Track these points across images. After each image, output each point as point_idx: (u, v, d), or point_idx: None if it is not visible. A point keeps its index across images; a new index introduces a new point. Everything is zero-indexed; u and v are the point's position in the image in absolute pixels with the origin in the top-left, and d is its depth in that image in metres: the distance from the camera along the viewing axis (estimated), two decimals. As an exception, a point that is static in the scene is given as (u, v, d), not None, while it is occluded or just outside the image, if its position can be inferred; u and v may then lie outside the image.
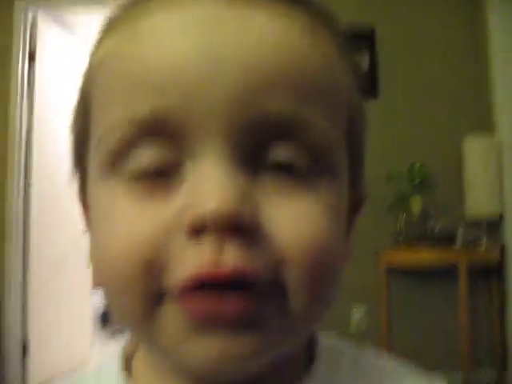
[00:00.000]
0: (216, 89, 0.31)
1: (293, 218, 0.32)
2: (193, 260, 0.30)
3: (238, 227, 0.29)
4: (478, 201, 3.11)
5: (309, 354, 0.41)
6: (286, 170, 0.32)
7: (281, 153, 0.32)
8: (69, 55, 3.75)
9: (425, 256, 2.89)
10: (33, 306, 3.20)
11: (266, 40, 0.32)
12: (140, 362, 0.40)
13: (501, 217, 3.17)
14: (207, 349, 0.30)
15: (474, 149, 3.13)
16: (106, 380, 0.39)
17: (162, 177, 0.32)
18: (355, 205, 0.40)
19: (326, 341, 0.42)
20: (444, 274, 3.15)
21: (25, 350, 3.14)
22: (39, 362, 3.26)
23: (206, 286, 0.30)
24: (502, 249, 3.12)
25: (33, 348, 3.19)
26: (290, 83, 0.32)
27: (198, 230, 0.30)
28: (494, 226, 3.19)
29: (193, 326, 0.30)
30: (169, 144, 0.32)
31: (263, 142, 0.32)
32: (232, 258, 0.29)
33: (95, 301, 4.80)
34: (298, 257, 0.31)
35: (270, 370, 0.34)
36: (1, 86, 3.14)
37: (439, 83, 3.34)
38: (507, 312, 3.18)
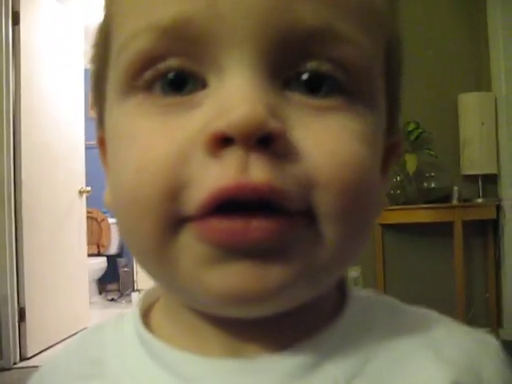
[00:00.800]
0: None
1: (326, 138, 0.28)
2: (215, 176, 0.26)
3: (266, 139, 0.26)
4: (474, 157, 3.09)
5: (340, 298, 0.37)
6: (318, 88, 0.29)
7: (314, 67, 0.29)
8: (55, 21, 3.68)
9: (421, 214, 2.88)
10: (28, 271, 3.19)
11: None
12: (159, 313, 0.38)
13: (496, 173, 3.16)
14: (227, 280, 0.27)
15: (470, 105, 3.09)
16: (125, 331, 0.36)
17: (184, 91, 0.29)
18: (390, 148, 0.36)
19: (356, 290, 0.38)
20: (440, 232, 3.14)
21: (21, 315, 3.14)
22: (36, 327, 3.27)
23: (229, 207, 0.26)
24: (498, 205, 3.12)
25: (29, 313, 3.19)
26: None
27: (221, 144, 0.26)
28: (489, 182, 3.18)
29: (212, 253, 0.27)
30: (193, 54, 0.29)
31: (295, 54, 0.29)
32: (259, 173, 0.26)
33: (92, 265, 4.81)
34: (332, 179, 0.28)
35: (296, 308, 0.31)
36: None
37: (435, 41, 3.28)
38: (502, 268, 3.20)
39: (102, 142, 0.37)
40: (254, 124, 0.25)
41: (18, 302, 3.14)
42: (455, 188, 3.02)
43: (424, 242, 3.20)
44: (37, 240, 3.34)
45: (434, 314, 0.39)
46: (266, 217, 0.26)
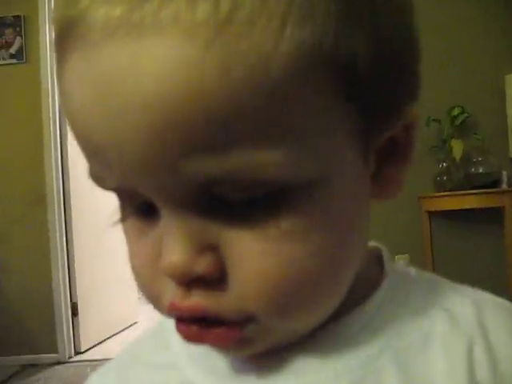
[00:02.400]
0: (125, 152, 0.27)
1: (254, 255, 0.28)
2: (170, 294, 0.31)
3: (196, 278, 0.29)
4: (523, 140, 3.00)
5: (379, 275, 0.37)
6: (241, 204, 0.28)
7: (225, 192, 0.28)
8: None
9: (469, 200, 2.82)
10: (79, 268, 3.28)
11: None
12: None
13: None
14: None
15: (517, 86, 3.01)
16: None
17: (151, 215, 0.31)
18: (408, 127, 0.33)
19: (397, 266, 0.39)
20: (489, 219, 3.08)
21: (74, 310, 3.23)
22: (89, 322, 3.35)
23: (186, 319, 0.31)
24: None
25: (82, 308, 3.27)
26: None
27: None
28: (540, 165, 3.09)
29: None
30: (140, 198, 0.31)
31: (202, 190, 0.28)
32: (195, 299, 0.30)
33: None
34: (261, 295, 0.29)
35: None
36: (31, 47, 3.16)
37: (477, 22, 3.20)
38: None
39: None
40: (181, 272, 0.29)
41: (71, 298, 3.22)
42: (504, 172, 2.94)
43: (473, 229, 3.13)
44: (85, 237, 3.41)
45: (477, 294, 0.39)
46: (219, 325, 0.30)
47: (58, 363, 3.06)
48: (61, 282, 3.13)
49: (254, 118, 0.25)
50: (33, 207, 3.14)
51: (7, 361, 3.05)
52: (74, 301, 3.23)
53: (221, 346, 0.32)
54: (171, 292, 0.31)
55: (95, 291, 3.48)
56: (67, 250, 3.22)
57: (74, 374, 2.82)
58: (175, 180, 0.27)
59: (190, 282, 0.29)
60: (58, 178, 3.18)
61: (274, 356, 0.34)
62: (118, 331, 3.77)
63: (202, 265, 0.29)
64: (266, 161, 0.26)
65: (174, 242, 0.29)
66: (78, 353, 3.23)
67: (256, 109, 0.25)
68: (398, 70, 0.31)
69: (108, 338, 3.60)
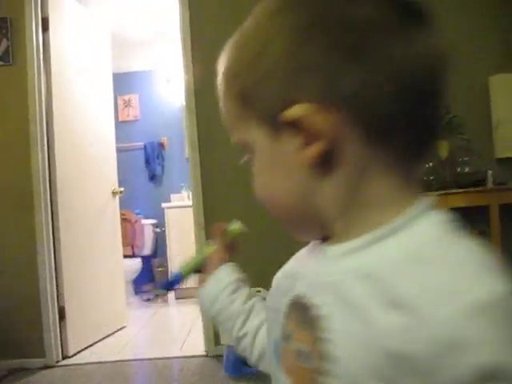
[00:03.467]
0: None
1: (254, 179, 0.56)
2: None
3: None
4: (507, 139, 3.04)
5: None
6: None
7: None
8: (82, 26, 3.75)
9: (456, 199, 2.84)
10: (67, 271, 3.26)
11: None
12: None
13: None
14: None
15: (502, 86, 3.05)
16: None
17: None
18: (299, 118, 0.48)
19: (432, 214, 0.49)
20: (476, 218, 3.10)
21: (61, 314, 3.20)
22: (76, 326, 3.33)
23: None
24: (535, 188, 3.06)
25: (69, 312, 3.25)
26: None
27: None
28: (525, 164, 3.13)
29: None
30: None
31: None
32: None
33: (127, 266, 4.87)
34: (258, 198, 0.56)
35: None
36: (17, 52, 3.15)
37: (462, 24, 3.24)
38: (542, 252, 3.14)
39: None
40: None
41: (58, 301, 3.20)
42: (489, 172, 2.97)
43: (461, 226, 3.16)
44: (73, 240, 3.40)
45: (462, 253, 0.46)
46: None
47: (46, 367, 3.03)
48: (48, 286, 3.11)
49: (234, 118, 0.55)
50: (20, 210, 3.12)
51: (-6, 365, 3.02)
52: (61, 304, 3.21)
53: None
54: None
55: (83, 295, 3.46)
56: (55, 253, 3.20)
57: (61, 377, 2.80)
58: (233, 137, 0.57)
59: None
60: (45, 180, 3.16)
61: (319, 247, 0.55)
62: (106, 335, 3.75)
63: None
64: (244, 138, 0.54)
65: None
66: (65, 357, 3.21)
67: (235, 114, 0.54)
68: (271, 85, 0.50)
69: (96, 342, 3.58)
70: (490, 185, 2.90)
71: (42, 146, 3.17)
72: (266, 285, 0.77)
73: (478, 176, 2.95)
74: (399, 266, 0.44)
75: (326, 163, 0.48)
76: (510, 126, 3.02)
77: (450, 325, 0.38)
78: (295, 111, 0.47)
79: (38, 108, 3.15)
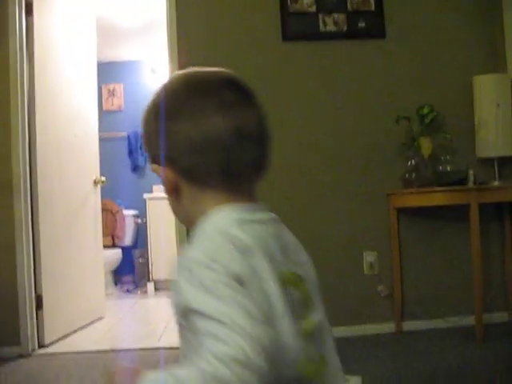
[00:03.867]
0: None
1: None
2: None
3: None
4: (489, 139, 3.06)
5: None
6: None
7: None
8: (67, 12, 3.70)
9: (436, 197, 2.86)
10: (45, 260, 3.22)
11: None
12: None
13: (512, 155, 3.12)
14: None
15: (485, 87, 3.06)
16: None
17: None
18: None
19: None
20: (456, 216, 3.13)
21: (38, 302, 3.17)
22: (53, 315, 3.29)
23: None
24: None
25: (46, 301, 3.22)
26: None
27: None
28: (505, 164, 3.15)
29: None
30: None
31: None
32: None
33: (107, 256, 4.84)
34: None
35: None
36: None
37: (448, 23, 3.25)
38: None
39: None
40: None
41: (35, 290, 3.16)
42: (470, 171, 2.99)
43: (440, 226, 3.18)
44: (53, 228, 3.37)
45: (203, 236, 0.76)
46: None
47: (21, 356, 3.00)
48: (26, 274, 3.07)
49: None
50: (-1, 197, 3.07)
51: (-32, 353, 2.98)
52: (38, 293, 3.17)
53: None
54: None
55: (61, 284, 3.43)
56: (33, 241, 3.16)
57: (36, 367, 2.77)
58: None
59: None
60: (25, 168, 3.11)
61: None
62: (83, 325, 3.72)
63: None
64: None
65: None
66: (41, 346, 3.17)
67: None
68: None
69: (73, 332, 3.55)
70: (470, 184, 2.92)
71: (23, 133, 3.12)
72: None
73: (460, 175, 2.97)
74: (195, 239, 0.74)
75: (178, 193, 0.81)
76: (492, 126, 3.03)
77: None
78: (153, 167, 0.83)
79: (19, 95, 3.10)
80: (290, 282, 0.72)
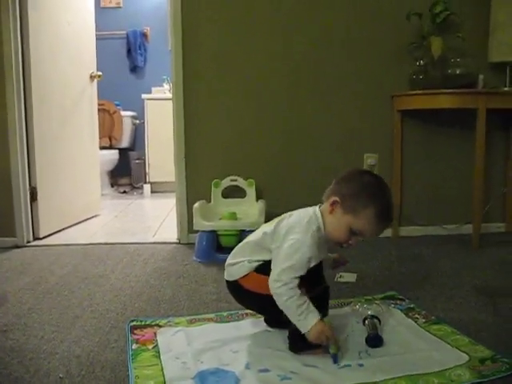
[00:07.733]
0: None
1: None
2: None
3: None
4: (502, 44, 2.92)
5: None
6: None
7: None
8: None
9: (443, 99, 2.75)
10: (40, 152, 3.15)
11: None
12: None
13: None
14: None
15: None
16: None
17: None
18: None
19: None
20: (461, 121, 3.04)
21: (33, 194, 3.14)
22: (48, 209, 3.28)
23: None
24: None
25: (41, 194, 3.19)
26: None
27: None
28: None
29: None
30: None
31: None
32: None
33: (103, 155, 4.78)
34: None
35: None
36: None
37: None
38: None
39: None
40: None
41: (30, 181, 3.12)
42: (481, 76, 2.88)
43: (444, 132, 3.10)
44: (47, 119, 3.28)
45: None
46: None
47: (16, 247, 3.00)
48: (19, 165, 3.01)
49: None
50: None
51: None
52: (32, 185, 3.13)
53: None
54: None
55: (56, 179, 3.39)
56: (27, 130, 3.08)
57: (31, 256, 2.78)
58: None
59: None
60: (17, 51, 2.97)
61: None
62: (78, 221, 3.72)
63: None
64: None
65: None
66: (36, 238, 3.18)
67: None
68: None
69: (68, 227, 3.55)
70: (479, 88, 2.81)
71: (15, 24, 2.96)
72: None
73: (469, 79, 2.85)
74: None
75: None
76: (508, 29, 2.88)
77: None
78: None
79: None
80: None
